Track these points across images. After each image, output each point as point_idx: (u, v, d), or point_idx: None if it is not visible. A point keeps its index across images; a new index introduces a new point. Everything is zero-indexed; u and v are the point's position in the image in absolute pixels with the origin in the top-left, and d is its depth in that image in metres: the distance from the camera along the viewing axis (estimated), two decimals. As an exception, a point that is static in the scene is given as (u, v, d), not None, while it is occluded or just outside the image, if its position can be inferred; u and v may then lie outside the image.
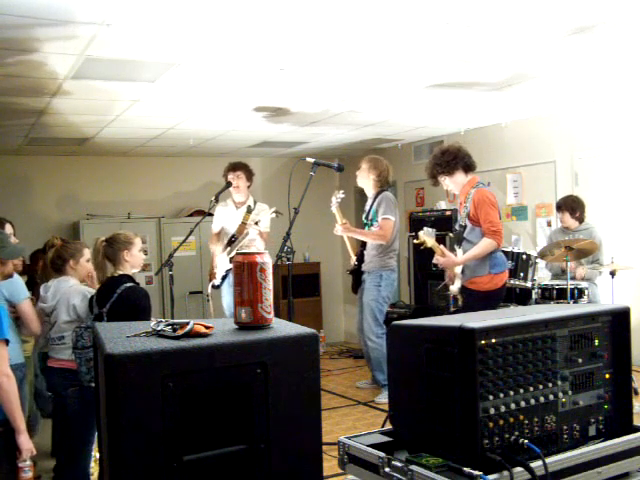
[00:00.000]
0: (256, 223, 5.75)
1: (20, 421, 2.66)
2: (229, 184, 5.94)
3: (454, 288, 4.74)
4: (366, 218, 6.05)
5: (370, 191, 6.02)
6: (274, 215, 5.80)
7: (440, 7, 3.39)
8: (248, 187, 6.15)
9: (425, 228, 4.80)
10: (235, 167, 6.06)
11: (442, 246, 4.81)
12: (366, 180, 5.98)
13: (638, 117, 5.88)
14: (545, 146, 6.66)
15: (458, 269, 4.69)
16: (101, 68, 4.26)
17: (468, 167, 4.73)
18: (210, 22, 3.48)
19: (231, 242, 6.00)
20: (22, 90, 4.77)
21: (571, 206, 5.83)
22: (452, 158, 4.69)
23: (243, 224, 5.95)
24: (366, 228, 6.03)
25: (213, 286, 6.16)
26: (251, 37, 3.76)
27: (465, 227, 4.62)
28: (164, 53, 4.01)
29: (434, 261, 4.85)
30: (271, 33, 3.72)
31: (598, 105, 6.12)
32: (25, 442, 2.66)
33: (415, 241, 4.85)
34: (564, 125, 6.47)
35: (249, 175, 6.11)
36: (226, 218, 6.15)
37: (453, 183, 4.76)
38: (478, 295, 4.51)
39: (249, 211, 6.02)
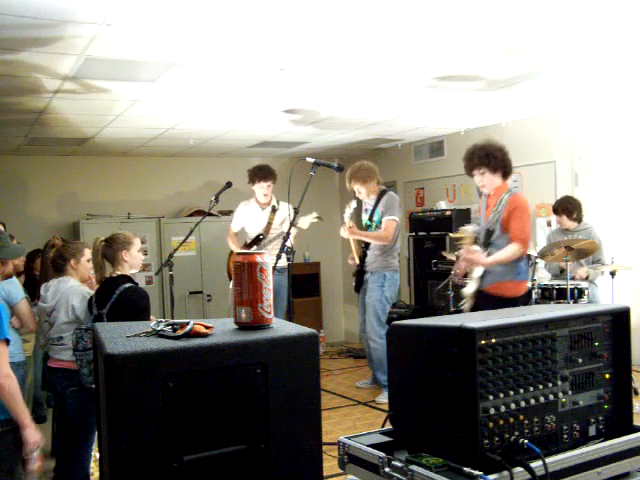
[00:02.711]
0: (295, 225, 5.81)
1: (24, 417, 2.66)
2: (229, 184, 5.93)
3: (468, 291, 4.60)
4: (369, 219, 6.03)
5: (372, 194, 6.01)
6: (316, 220, 5.88)
7: (440, 7, 3.39)
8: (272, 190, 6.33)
9: (468, 225, 4.71)
10: (267, 177, 6.17)
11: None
12: (368, 193, 5.97)
13: (638, 117, 5.88)
14: (545, 146, 6.66)
15: (477, 272, 4.54)
16: (101, 68, 4.26)
17: (507, 173, 4.60)
18: (210, 22, 3.48)
19: (258, 240, 6.11)
20: (22, 90, 4.77)
21: (567, 208, 5.80)
22: (503, 157, 4.53)
23: (269, 224, 6.08)
24: (369, 229, 6.03)
25: None
26: (251, 37, 3.76)
27: (492, 231, 4.48)
28: (164, 53, 4.01)
29: (456, 253, 4.69)
30: (271, 33, 3.72)
31: (598, 105, 6.12)
32: (30, 435, 2.66)
33: (455, 235, 4.74)
34: (564, 125, 6.47)
35: (276, 180, 6.27)
36: (249, 218, 6.30)
37: (490, 181, 4.55)
38: (499, 301, 4.31)
39: (274, 211, 6.16)
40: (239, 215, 6.39)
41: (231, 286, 6.25)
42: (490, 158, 4.49)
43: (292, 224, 5.72)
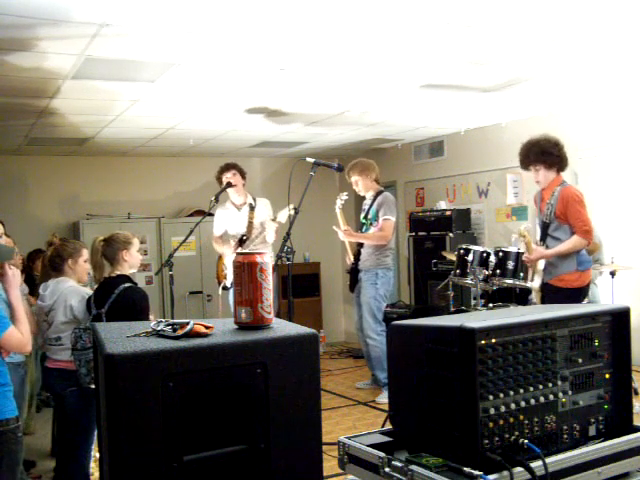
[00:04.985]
0: (274, 219, 5.76)
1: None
2: (229, 184, 5.93)
3: (535, 284, 4.67)
4: (365, 218, 6.07)
5: (369, 192, 6.05)
6: (293, 212, 5.78)
7: (440, 7, 3.39)
8: (243, 185, 6.14)
9: (525, 224, 4.71)
10: (229, 166, 6.04)
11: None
12: (365, 186, 6.01)
13: (638, 116, 5.88)
14: (545, 146, 6.64)
15: (541, 265, 4.61)
16: (101, 68, 4.26)
17: (562, 168, 4.62)
18: (210, 22, 3.48)
19: (242, 241, 5.99)
20: (22, 90, 4.77)
21: None
22: (559, 152, 4.55)
23: (250, 223, 5.96)
24: (364, 228, 6.06)
25: (224, 288, 6.14)
26: (251, 37, 3.76)
27: (548, 224, 4.54)
28: (164, 53, 4.01)
29: (523, 258, 4.76)
30: (271, 33, 3.72)
31: (598, 105, 6.12)
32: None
33: (517, 236, 4.75)
34: (564, 125, 6.46)
35: (243, 173, 6.09)
36: (229, 221, 6.12)
37: (545, 178, 4.59)
38: (566, 292, 4.45)
39: (252, 209, 6.03)
40: (218, 219, 6.17)
41: (220, 291, 6.22)
42: (546, 155, 4.52)
43: (273, 219, 5.74)
